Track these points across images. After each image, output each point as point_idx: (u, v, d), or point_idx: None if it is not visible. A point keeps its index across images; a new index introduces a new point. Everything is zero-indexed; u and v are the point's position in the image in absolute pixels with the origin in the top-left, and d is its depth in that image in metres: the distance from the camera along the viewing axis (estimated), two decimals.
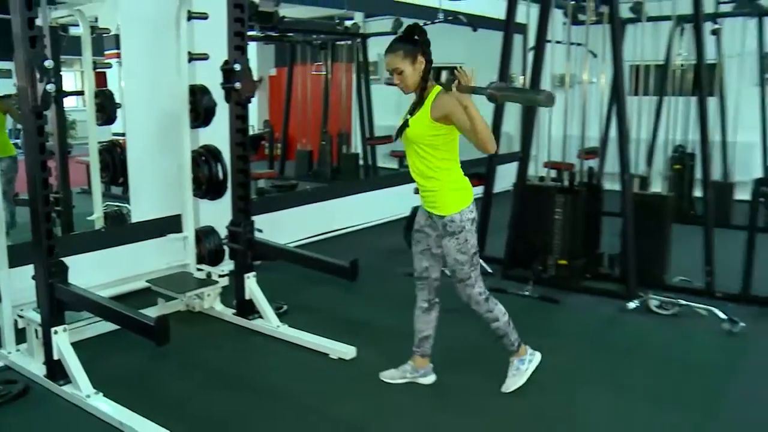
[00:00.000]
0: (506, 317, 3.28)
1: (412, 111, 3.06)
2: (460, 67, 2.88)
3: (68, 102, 5.09)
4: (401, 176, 7.83)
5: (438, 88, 3.00)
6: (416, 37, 3.00)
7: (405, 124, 3.05)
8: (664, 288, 4.83)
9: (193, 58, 4.37)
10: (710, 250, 4.88)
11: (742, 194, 5.79)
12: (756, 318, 4.37)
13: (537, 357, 3.40)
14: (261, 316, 4.21)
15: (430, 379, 3.48)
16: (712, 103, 6.40)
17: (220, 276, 4.41)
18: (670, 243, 5.06)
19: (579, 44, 5.42)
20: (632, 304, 4.54)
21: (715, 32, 6.70)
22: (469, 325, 3.72)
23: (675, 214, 5.32)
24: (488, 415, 3.16)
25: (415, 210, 5.92)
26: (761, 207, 4.71)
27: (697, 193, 6.43)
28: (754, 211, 4.70)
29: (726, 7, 7.06)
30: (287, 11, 7.26)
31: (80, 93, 5.05)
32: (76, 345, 3.33)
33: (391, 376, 3.48)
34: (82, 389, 3.17)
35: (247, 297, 4.24)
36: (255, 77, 4.14)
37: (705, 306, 4.39)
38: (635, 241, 4.81)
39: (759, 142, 7.54)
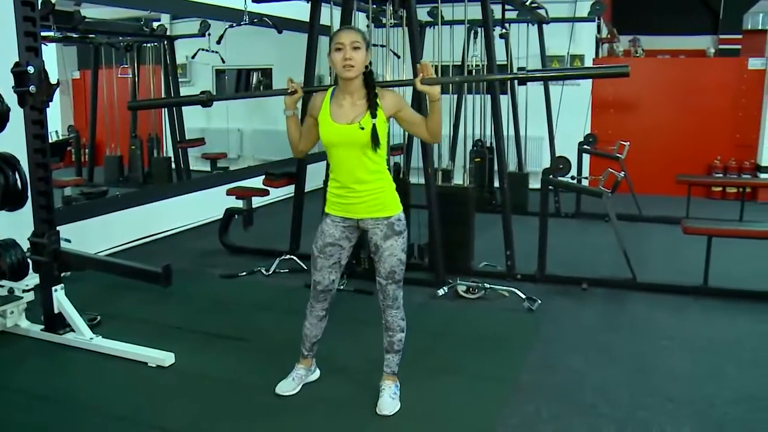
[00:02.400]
0: None
1: (373, 114, 2.89)
2: (424, 61, 2.91)
3: None
4: (214, 178, 7.76)
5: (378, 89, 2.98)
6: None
7: (375, 128, 2.88)
8: (471, 273, 5.13)
9: None
10: (509, 236, 5.26)
11: (535, 183, 6.33)
12: (550, 295, 4.81)
13: None
14: (73, 330, 4.00)
15: (317, 373, 3.49)
16: (504, 100, 6.93)
17: (25, 291, 4.12)
18: (473, 231, 5.38)
19: (382, 46, 5.65)
20: (442, 291, 4.80)
21: (503, 36, 7.24)
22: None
23: (477, 204, 5.68)
24: (305, 410, 3.22)
25: (231, 212, 5.95)
26: (550, 194, 5.18)
27: (497, 183, 6.91)
28: (544, 198, 5.17)
29: (512, 14, 7.69)
30: (89, 11, 6.92)
31: None
32: None
33: (290, 387, 3.33)
34: None
35: (56, 311, 4.01)
36: (53, 80, 3.93)
37: (507, 288, 4.74)
38: (441, 231, 5.06)
39: (546, 136, 8.29)
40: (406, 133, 7.05)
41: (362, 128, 2.89)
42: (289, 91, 3.05)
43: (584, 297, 4.83)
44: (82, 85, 9.43)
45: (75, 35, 7.60)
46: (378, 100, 2.94)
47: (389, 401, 3.17)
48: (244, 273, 5.39)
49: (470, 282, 4.80)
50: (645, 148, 8.51)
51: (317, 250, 3.14)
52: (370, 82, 2.95)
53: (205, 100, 3.43)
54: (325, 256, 3.13)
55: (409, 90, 3.99)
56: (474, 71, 7.54)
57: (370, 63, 3.00)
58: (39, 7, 3.93)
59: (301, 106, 3.21)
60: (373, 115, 2.89)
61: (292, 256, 5.50)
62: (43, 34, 4.05)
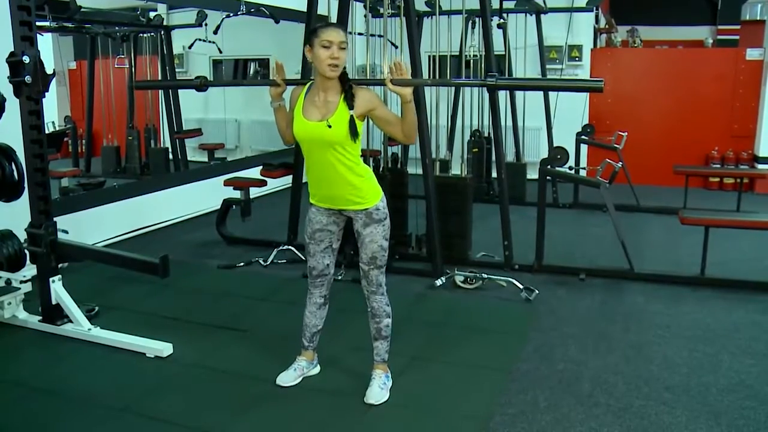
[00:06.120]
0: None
1: (350, 105, 2.90)
2: (397, 60, 2.91)
3: None
4: (211, 169, 7.75)
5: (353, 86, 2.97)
6: None
7: (353, 119, 2.89)
8: (469, 264, 5.14)
9: None
10: (507, 226, 5.26)
11: (534, 174, 6.32)
12: (547, 285, 4.82)
13: None
14: (71, 321, 4.01)
15: (318, 368, 3.48)
16: (502, 91, 6.92)
17: (22, 282, 4.12)
18: (471, 221, 5.38)
19: (379, 36, 5.64)
20: (439, 281, 4.81)
21: (501, 26, 7.22)
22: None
23: (475, 194, 5.69)
24: (303, 401, 3.23)
25: (228, 202, 5.95)
26: (548, 185, 5.17)
27: (494, 174, 6.90)
28: (541, 189, 5.17)
29: (509, 4, 7.67)
30: (86, 1, 6.88)
31: None
32: None
33: (290, 378, 3.34)
34: None
35: (53, 302, 4.02)
36: (49, 70, 3.91)
37: (505, 278, 4.75)
38: (439, 222, 5.08)
39: (544, 126, 8.28)
40: None
41: (329, 126, 2.90)
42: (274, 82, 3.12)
43: (582, 287, 4.84)
44: (78, 75, 9.40)
45: (71, 25, 7.55)
46: (353, 92, 2.95)
47: (378, 391, 3.18)
48: (242, 264, 5.39)
49: (468, 272, 4.81)
50: (642, 139, 8.53)
51: (308, 237, 3.21)
52: (345, 79, 2.96)
53: (199, 85, 3.73)
54: (316, 242, 3.19)
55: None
56: (472, 62, 7.53)
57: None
58: None
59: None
60: (350, 107, 2.91)
61: (289, 247, 5.50)
62: (38, 23, 4.02)
